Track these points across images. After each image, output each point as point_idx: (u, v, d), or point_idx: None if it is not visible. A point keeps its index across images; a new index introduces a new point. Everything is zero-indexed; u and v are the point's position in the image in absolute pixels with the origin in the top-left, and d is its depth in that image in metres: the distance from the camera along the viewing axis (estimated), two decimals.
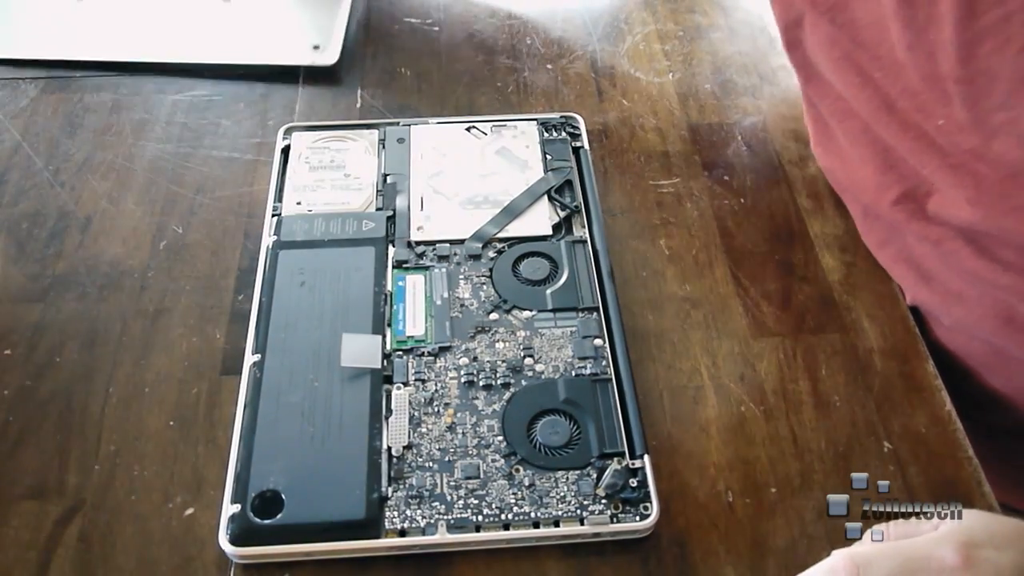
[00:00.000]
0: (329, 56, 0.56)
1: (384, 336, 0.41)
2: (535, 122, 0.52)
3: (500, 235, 0.46)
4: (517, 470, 0.37)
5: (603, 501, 0.36)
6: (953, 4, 0.34)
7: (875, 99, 0.41)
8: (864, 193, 0.47)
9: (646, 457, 0.37)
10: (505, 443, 0.38)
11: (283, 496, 0.36)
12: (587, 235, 0.46)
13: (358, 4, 0.61)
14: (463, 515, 0.36)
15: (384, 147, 0.50)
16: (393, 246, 0.45)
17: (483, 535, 0.36)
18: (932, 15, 0.36)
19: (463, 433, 0.38)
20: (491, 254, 0.45)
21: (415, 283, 0.44)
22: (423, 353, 0.41)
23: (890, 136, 0.42)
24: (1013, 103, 0.35)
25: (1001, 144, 0.36)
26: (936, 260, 0.44)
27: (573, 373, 0.40)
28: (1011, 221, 0.38)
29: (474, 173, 0.49)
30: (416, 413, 0.39)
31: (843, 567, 0.30)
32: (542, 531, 0.36)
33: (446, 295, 0.43)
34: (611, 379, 0.40)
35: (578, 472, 0.37)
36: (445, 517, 0.36)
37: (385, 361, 0.40)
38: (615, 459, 0.38)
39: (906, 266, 0.46)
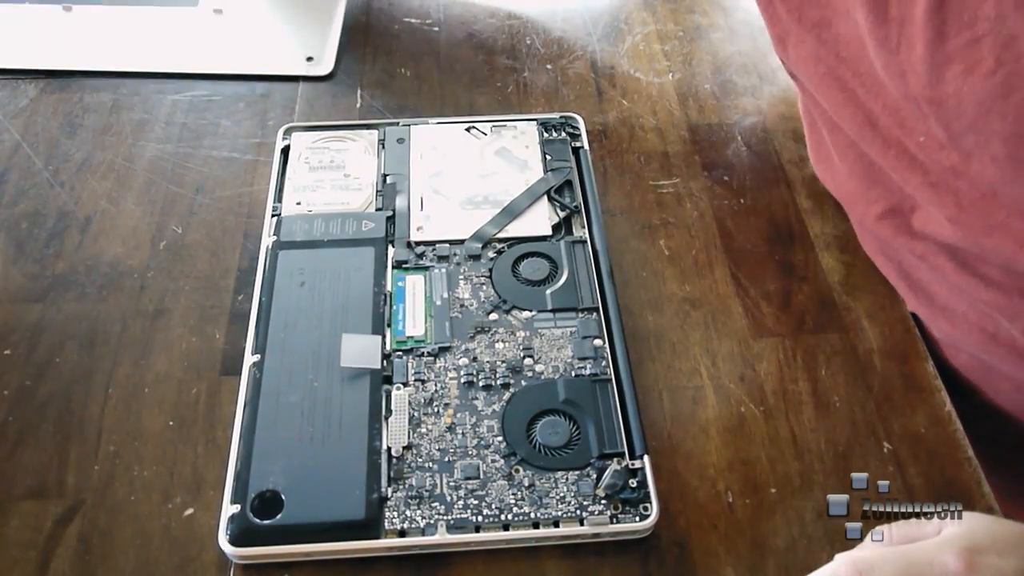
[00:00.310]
0: (323, 68, 0.56)
1: (384, 336, 0.41)
2: (535, 122, 0.52)
3: (500, 235, 0.46)
4: (517, 470, 0.37)
5: (603, 501, 0.36)
6: (924, 25, 0.34)
7: (858, 115, 0.41)
8: (854, 206, 0.47)
9: (646, 457, 0.37)
10: (505, 443, 0.38)
11: (283, 496, 0.36)
12: (587, 235, 0.46)
13: (353, 12, 0.61)
14: (463, 515, 0.36)
15: (384, 147, 0.50)
16: (393, 246, 0.45)
17: (483, 535, 0.36)
18: (904, 35, 0.36)
19: (463, 433, 0.38)
20: (491, 254, 0.45)
21: (415, 283, 0.44)
22: (423, 353, 0.41)
23: (874, 152, 0.42)
24: (982, 126, 0.35)
25: (977, 163, 0.36)
26: (924, 273, 0.44)
27: (573, 373, 0.40)
28: (991, 240, 0.38)
29: (474, 173, 0.49)
30: (416, 413, 0.39)
31: (846, 572, 0.30)
32: (542, 531, 0.36)
33: (446, 295, 0.43)
34: (611, 379, 0.40)
35: (578, 472, 0.37)
36: (445, 517, 0.36)
37: (385, 361, 0.40)
38: (615, 459, 0.37)
39: (898, 277, 0.46)
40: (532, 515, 0.36)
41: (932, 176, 0.39)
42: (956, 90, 0.34)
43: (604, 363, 0.41)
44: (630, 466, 0.37)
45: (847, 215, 0.49)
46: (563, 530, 0.36)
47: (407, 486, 0.37)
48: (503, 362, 0.41)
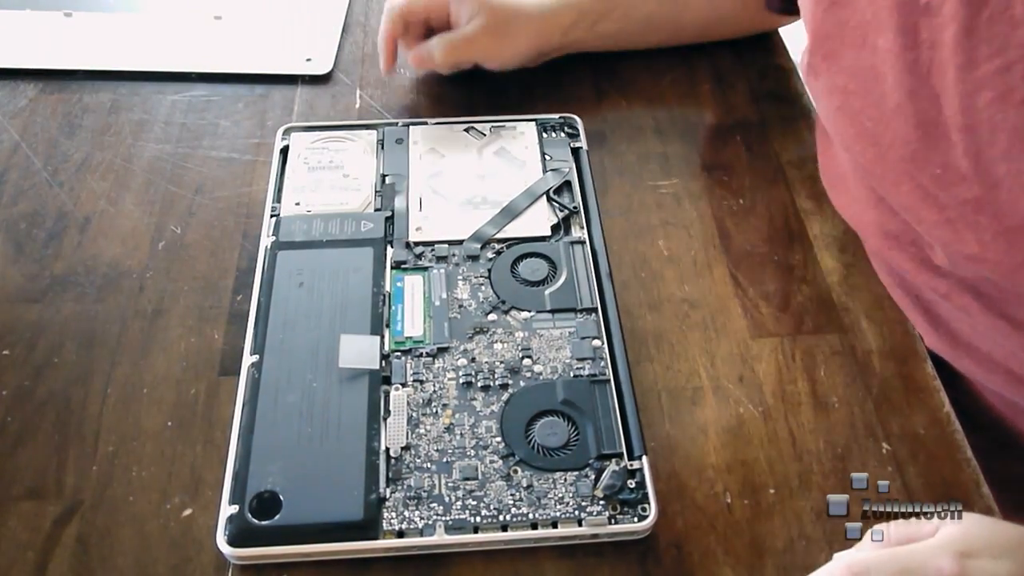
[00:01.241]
0: (322, 68, 0.56)
1: (382, 337, 0.41)
2: (534, 123, 0.52)
3: (499, 236, 0.46)
4: (515, 471, 0.37)
5: (601, 502, 0.36)
6: (954, 50, 0.34)
7: (869, 151, 0.40)
8: (871, 238, 0.46)
9: (644, 458, 0.37)
10: (503, 444, 0.38)
11: (281, 497, 0.36)
12: (586, 236, 0.46)
13: (353, 12, 0.61)
14: (461, 516, 0.36)
15: (383, 148, 0.50)
16: (392, 247, 0.45)
17: (481, 536, 0.36)
18: (935, 60, 0.35)
19: (461, 434, 0.38)
20: (489, 255, 0.45)
21: (413, 284, 0.44)
22: (421, 354, 0.41)
23: (886, 190, 0.41)
24: (1016, 155, 0.34)
25: (1006, 194, 0.35)
26: (946, 310, 0.44)
27: (571, 374, 0.40)
28: (1021, 275, 0.37)
29: (473, 174, 0.49)
30: (414, 414, 0.39)
31: (841, 574, 0.30)
32: (540, 532, 0.36)
33: (444, 296, 0.43)
34: (609, 380, 0.40)
35: (576, 473, 0.37)
36: (443, 518, 0.36)
37: (383, 362, 0.40)
38: (613, 460, 0.37)
39: (916, 311, 0.45)
40: (530, 516, 0.36)
41: (949, 212, 0.38)
42: (990, 117, 0.34)
43: (603, 364, 0.41)
44: (628, 467, 0.37)
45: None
46: (561, 531, 0.36)
47: (405, 487, 0.37)
48: (502, 363, 0.41)
